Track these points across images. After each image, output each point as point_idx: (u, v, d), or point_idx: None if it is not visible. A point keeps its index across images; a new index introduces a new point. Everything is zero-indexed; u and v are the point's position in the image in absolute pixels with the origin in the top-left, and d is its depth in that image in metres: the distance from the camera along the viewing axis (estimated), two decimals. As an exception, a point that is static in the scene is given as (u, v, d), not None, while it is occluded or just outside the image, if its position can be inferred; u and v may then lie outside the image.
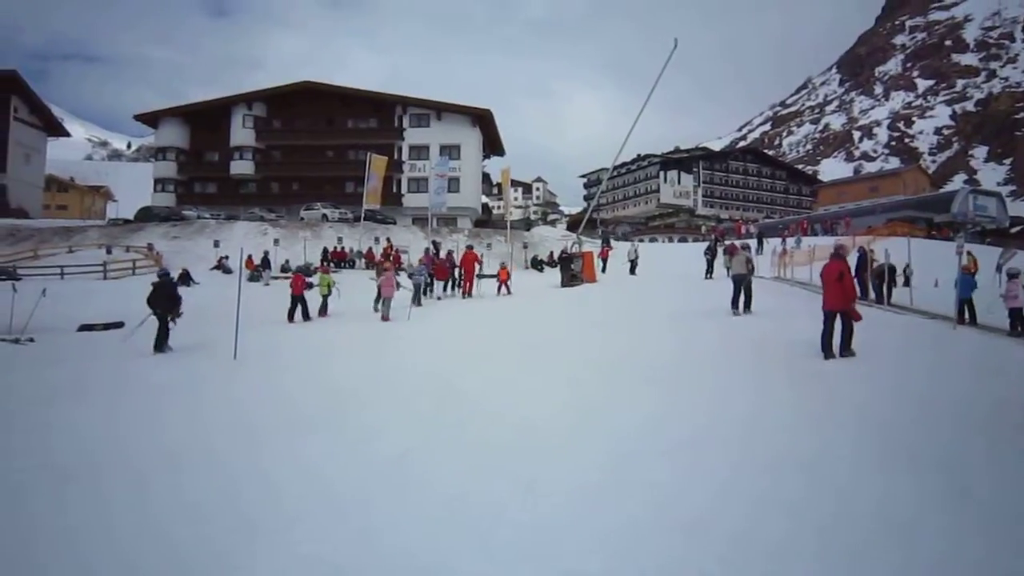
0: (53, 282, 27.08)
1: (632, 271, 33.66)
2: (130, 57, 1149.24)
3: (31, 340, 16.88)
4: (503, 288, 26.02)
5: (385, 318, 18.96)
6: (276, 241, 40.53)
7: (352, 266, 39.30)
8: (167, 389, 10.50)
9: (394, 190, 59.88)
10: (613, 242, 48.03)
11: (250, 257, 31.82)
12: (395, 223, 52.33)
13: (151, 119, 67.82)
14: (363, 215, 44.75)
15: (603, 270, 34.87)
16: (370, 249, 40.61)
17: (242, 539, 4.81)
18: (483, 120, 63.49)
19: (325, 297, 21.14)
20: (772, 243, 42.65)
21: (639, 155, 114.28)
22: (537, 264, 41.46)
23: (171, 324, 15.19)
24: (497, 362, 11.72)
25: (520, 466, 6.09)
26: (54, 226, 51.40)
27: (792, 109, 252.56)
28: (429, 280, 25.73)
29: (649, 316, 16.71)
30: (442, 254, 31.36)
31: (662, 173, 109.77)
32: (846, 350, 10.82)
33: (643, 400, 8.38)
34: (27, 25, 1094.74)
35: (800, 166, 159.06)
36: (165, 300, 15.09)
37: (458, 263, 27.54)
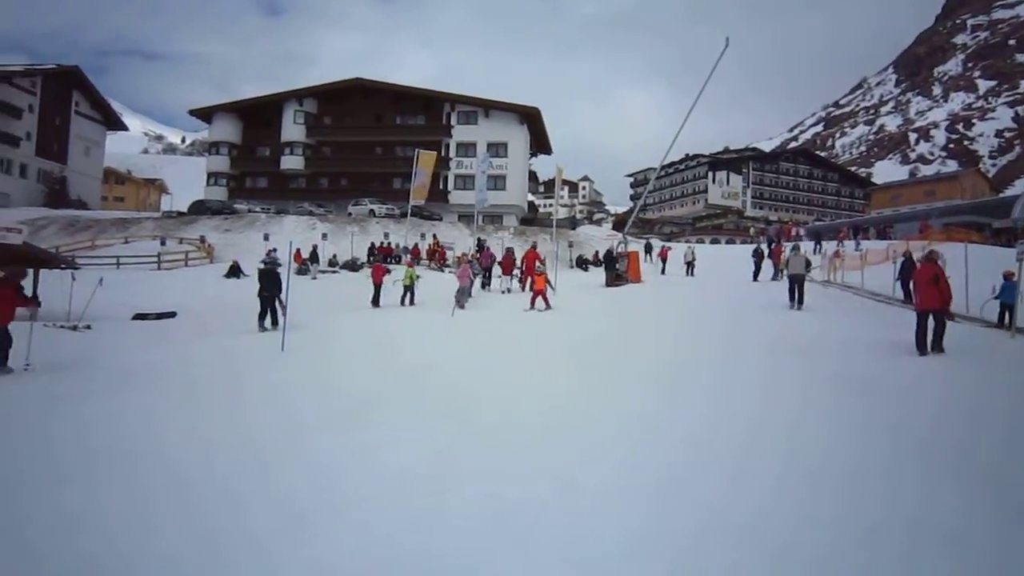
0: (109, 271, 27.80)
1: (689, 272, 33.48)
2: (186, 54, 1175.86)
3: (88, 327, 17.36)
4: (539, 302, 20.20)
5: (461, 306, 20.51)
6: (324, 235, 41.05)
7: (398, 261, 39.58)
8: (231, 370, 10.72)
9: (441, 187, 60.14)
10: (654, 242, 47.57)
11: (298, 251, 32.24)
12: (441, 219, 52.61)
13: (205, 114, 69.26)
14: (410, 211, 45.01)
15: (663, 271, 34.80)
16: (416, 245, 40.86)
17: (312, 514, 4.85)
18: (531, 118, 63.44)
19: (407, 288, 22.34)
20: (828, 246, 41.75)
21: (687, 155, 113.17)
22: (582, 263, 41.30)
23: (277, 305, 16.59)
24: (548, 358, 11.69)
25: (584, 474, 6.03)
26: (111, 217, 52.88)
27: (846, 110, 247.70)
28: (486, 276, 27.58)
29: (693, 320, 16.50)
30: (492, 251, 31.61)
31: (711, 173, 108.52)
32: (937, 348, 11.41)
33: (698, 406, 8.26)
34: (89, 23, 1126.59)
35: (853, 168, 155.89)
36: (272, 284, 16.68)
37: (520, 260, 28.17)
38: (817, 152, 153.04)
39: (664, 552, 4.40)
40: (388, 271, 24.08)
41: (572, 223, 62.35)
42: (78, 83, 71.23)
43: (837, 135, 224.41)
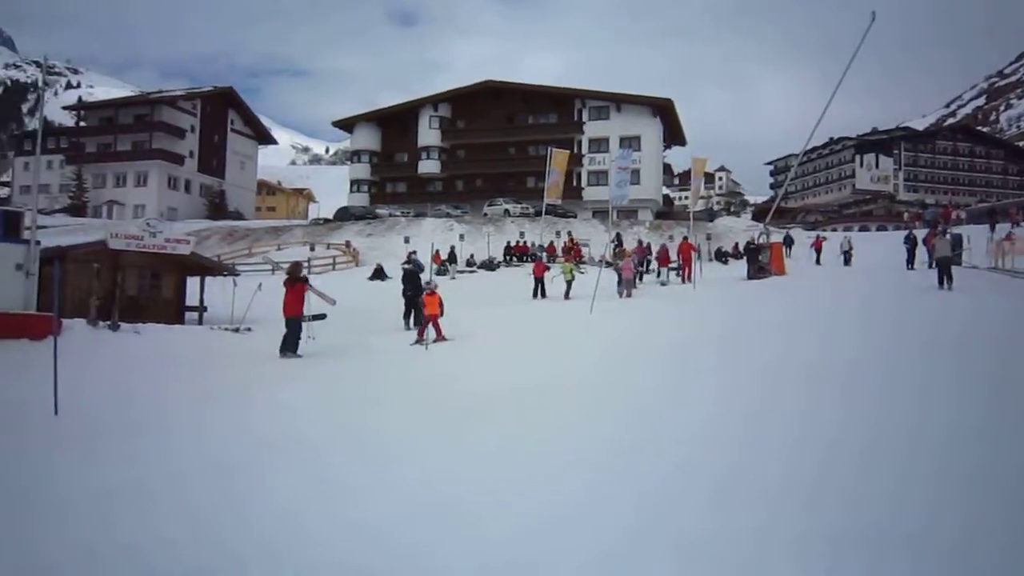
0: (265, 277, 29.48)
1: (847, 262, 31.89)
2: (329, 69, 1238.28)
3: (249, 330, 18.47)
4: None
5: (628, 295, 21.84)
6: (461, 236, 41.92)
7: (534, 260, 39.85)
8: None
9: (574, 184, 60.07)
10: (795, 233, 45.35)
11: (437, 252, 33.08)
12: (575, 217, 52.57)
13: (347, 125, 72.52)
14: (544, 209, 45.15)
15: (816, 261, 33.40)
16: (551, 243, 40.99)
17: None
18: (664, 110, 62.32)
19: (569, 283, 23.25)
20: (1000, 229, 38.42)
21: (831, 138, 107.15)
22: (721, 256, 40.09)
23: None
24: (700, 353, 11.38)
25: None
26: (265, 226, 56.36)
27: (1011, 79, 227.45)
28: (642, 269, 28.59)
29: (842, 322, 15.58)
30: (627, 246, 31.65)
31: (858, 157, 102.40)
32: None
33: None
34: (242, 47, 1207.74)
35: (1022, 143, 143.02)
36: (415, 284, 17.45)
37: (678, 252, 28.53)
38: (979, 128, 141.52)
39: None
40: (548, 267, 25.37)
41: (709, 215, 60.60)
42: (233, 103, 76.46)
43: (1002, 108, 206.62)
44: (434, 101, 68.26)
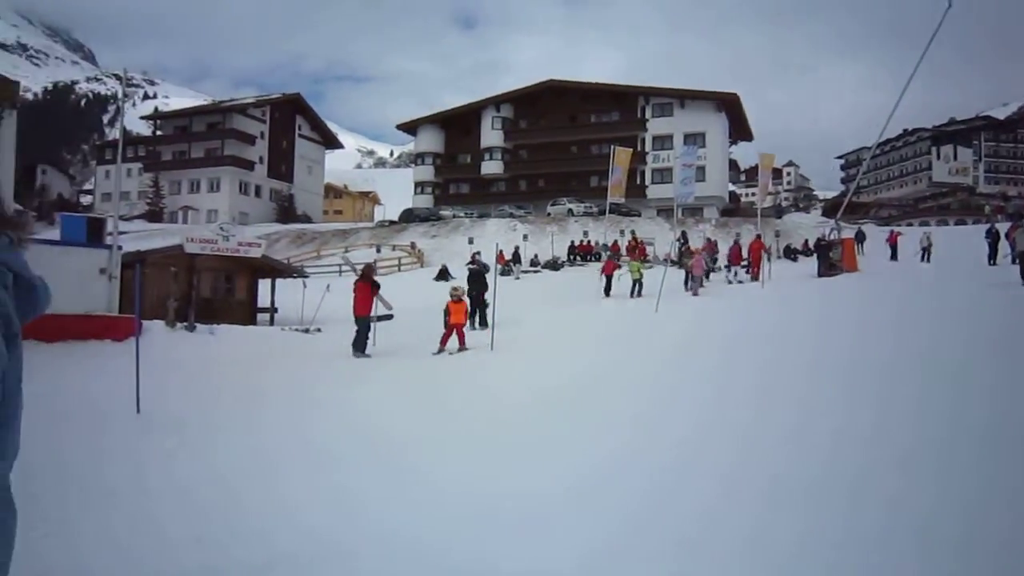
0: (333, 279, 30.07)
1: (925, 258, 30.81)
2: (393, 73, 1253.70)
3: (319, 330, 18.86)
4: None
5: (695, 293, 21.77)
6: (525, 236, 41.98)
7: (598, 259, 39.62)
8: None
9: (638, 182, 59.54)
10: (865, 229, 43.90)
11: (501, 252, 33.23)
12: (639, 215, 52.10)
13: (411, 127, 73.46)
14: (607, 208, 44.84)
15: (893, 256, 32.36)
16: (615, 242, 40.66)
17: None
18: (729, 105, 61.27)
19: (636, 281, 23.20)
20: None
21: (905, 130, 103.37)
22: (790, 253, 39.17)
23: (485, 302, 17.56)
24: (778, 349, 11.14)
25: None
26: (332, 229, 57.47)
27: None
28: (710, 267, 28.14)
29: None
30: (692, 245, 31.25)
31: (934, 148, 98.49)
32: None
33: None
34: (309, 54, 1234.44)
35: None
36: (480, 284, 17.54)
37: (747, 251, 28.22)
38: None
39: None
40: (619, 266, 25.66)
41: (777, 212, 59.50)
42: (300, 109, 78.22)
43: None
44: (496, 102, 68.58)
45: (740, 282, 26.24)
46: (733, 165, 75.05)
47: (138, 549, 4.46)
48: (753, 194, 76.72)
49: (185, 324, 16.97)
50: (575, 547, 4.20)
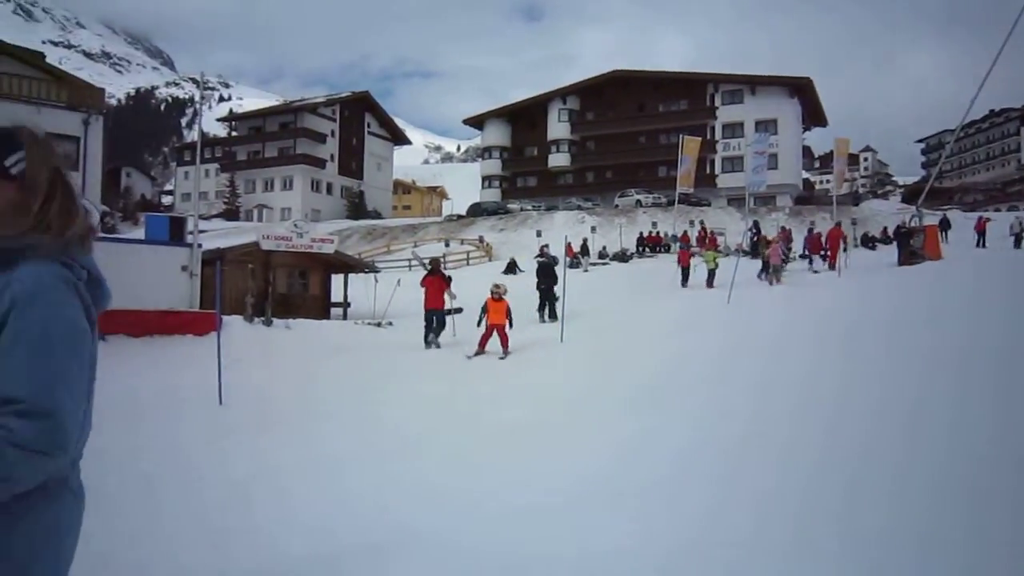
0: (403, 273, 30.48)
1: (1017, 245, 29.49)
2: (459, 68, 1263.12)
3: (390, 324, 19.15)
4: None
5: (773, 283, 21.76)
6: (593, 228, 41.70)
7: (668, 250, 39.13)
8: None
9: (707, 171, 58.44)
10: (950, 215, 42.04)
11: (569, 244, 33.05)
12: (709, 205, 51.22)
13: (477, 122, 73.78)
14: (677, 199, 44.32)
15: (980, 243, 31.08)
16: (685, 233, 40.07)
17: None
18: (802, 90, 59.55)
19: (711, 270, 23.35)
20: None
21: (992, 111, 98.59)
22: (868, 242, 37.93)
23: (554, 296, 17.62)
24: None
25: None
26: (401, 224, 58.25)
27: None
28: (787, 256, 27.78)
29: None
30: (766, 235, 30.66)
31: (1023, 129, 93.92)
32: None
33: None
34: (376, 52, 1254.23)
35: None
36: (549, 276, 17.76)
37: (825, 239, 27.84)
38: None
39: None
40: (694, 255, 25.81)
41: (854, 199, 57.47)
42: (369, 106, 79.40)
43: None
44: (563, 94, 68.26)
45: (817, 271, 25.69)
46: (807, 152, 73.01)
47: (228, 529, 4.61)
48: (828, 181, 74.49)
49: (262, 319, 17.44)
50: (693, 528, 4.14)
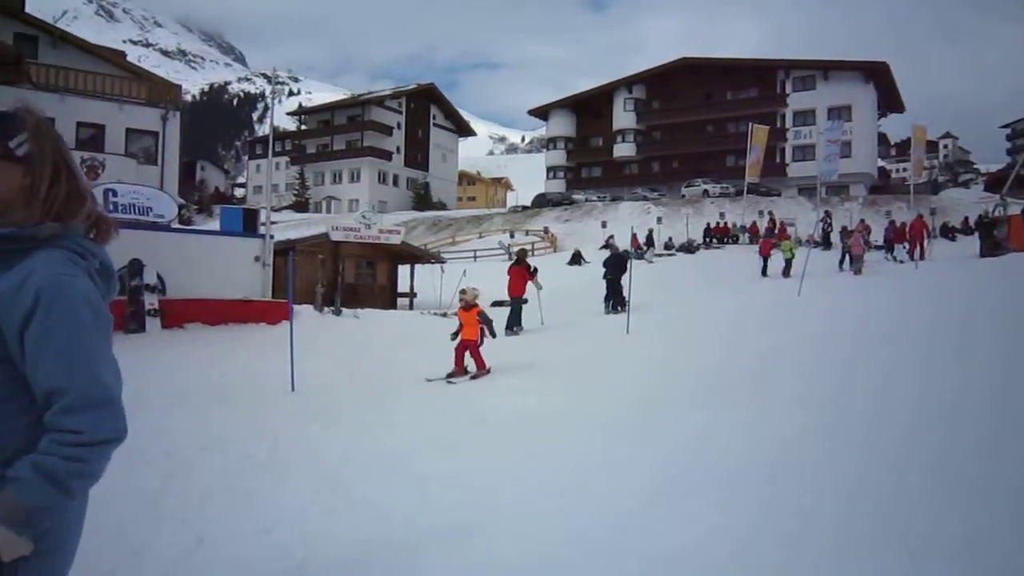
0: (468, 264, 30.69)
1: None
2: (524, 59, 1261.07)
3: (455, 314, 19.33)
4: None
5: (857, 272, 21.78)
6: (659, 219, 41.20)
7: (736, 241, 38.42)
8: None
9: (777, 160, 57.12)
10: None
11: (635, 235, 32.81)
12: (779, 195, 50.03)
13: (542, 112, 73.69)
14: (746, 188, 43.45)
15: None
16: (754, 223, 39.29)
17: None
18: (877, 74, 57.58)
19: (788, 260, 23.41)
20: None
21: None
22: (948, 232, 36.49)
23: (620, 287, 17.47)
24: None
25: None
26: (466, 215, 58.58)
27: None
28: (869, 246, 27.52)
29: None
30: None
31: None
32: None
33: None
34: (441, 44, 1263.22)
35: None
36: (618, 268, 17.48)
37: (908, 230, 27.51)
38: None
39: None
40: (776, 245, 25.59)
41: (933, 188, 55.32)
42: (434, 99, 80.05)
43: None
44: (628, 83, 67.60)
45: (902, 262, 25.09)
46: (882, 139, 70.62)
47: (306, 513, 4.72)
48: (905, 169, 71.90)
49: (332, 308, 17.79)
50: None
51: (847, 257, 23.45)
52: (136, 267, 15.36)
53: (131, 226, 16.72)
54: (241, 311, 15.93)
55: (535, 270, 16.38)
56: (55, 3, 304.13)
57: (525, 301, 15.98)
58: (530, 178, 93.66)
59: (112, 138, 25.35)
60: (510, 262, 18.05)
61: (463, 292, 11.43)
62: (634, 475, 5.29)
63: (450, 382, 10.17)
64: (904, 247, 26.71)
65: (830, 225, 34.78)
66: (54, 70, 25.42)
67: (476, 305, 11.10)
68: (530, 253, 39.33)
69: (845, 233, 26.05)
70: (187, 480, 5.56)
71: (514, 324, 15.10)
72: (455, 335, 10.80)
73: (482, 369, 10.52)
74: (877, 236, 29.31)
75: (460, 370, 10.49)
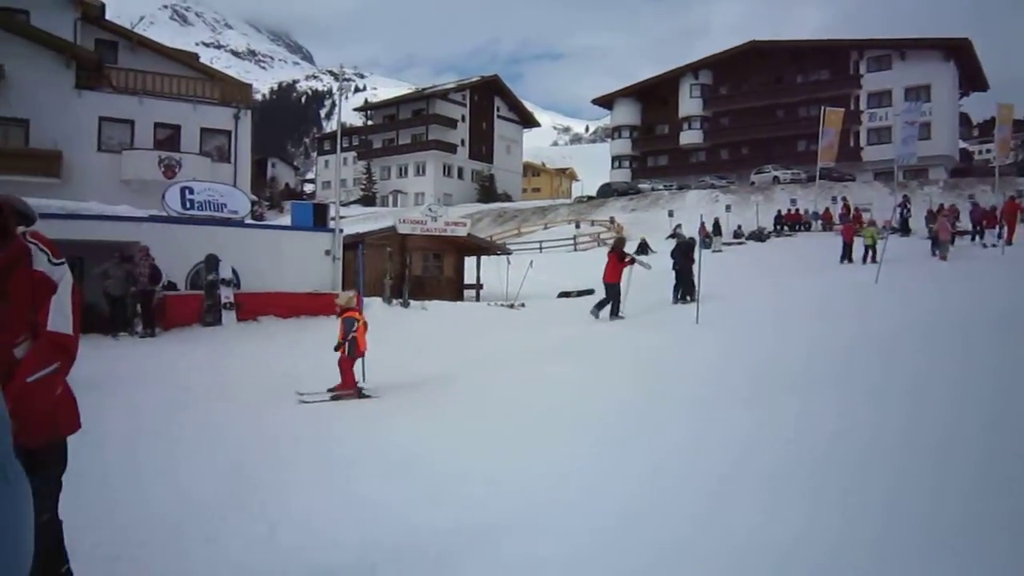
0: (535, 255, 30.73)
1: None
2: (587, 49, 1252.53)
3: (523, 305, 19.36)
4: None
5: (943, 258, 21.46)
6: (727, 207, 40.44)
7: (808, 228, 37.39)
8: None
9: (851, 144, 55.21)
10: None
11: (703, 224, 32.23)
12: (853, 180, 48.47)
13: (606, 101, 73.09)
14: (817, 174, 42.23)
15: None
16: (827, 210, 38.18)
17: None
18: (958, 52, 55.10)
19: (868, 247, 23.19)
20: None
21: None
22: (1037, 216, 34.77)
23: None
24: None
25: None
26: (531, 206, 58.59)
27: None
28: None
29: None
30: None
31: None
32: None
33: None
34: (504, 36, 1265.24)
35: None
36: (686, 257, 17.42)
37: (1000, 213, 26.57)
38: None
39: None
40: (857, 232, 25.05)
41: (1019, 169, 52.77)
42: (498, 91, 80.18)
43: None
44: (694, 69, 66.37)
45: (994, 246, 24.27)
46: (964, 119, 67.71)
47: (371, 509, 4.78)
48: (989, 151, 68.82)
49: (400, 300, 18.01)
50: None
51: (936, 242, 23.06)
52: (212, 262, 15.83)
53: (206, 222, 17.27)
54: (312, 304, 16.28)
55: (632, 260, 16.79)
56: (133, 9, 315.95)
57: (593, 292, 16.07)
58: (595, 168, 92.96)
59: (187, 137, 26.26)
60: (573, 250, 18.22)
61: (338, 296, 10.55)
62: (712, 462, 5.20)
63: (304, 401, 8.73)
64: (995, 231, 25.75)
65: (909, 211, 33.53)
66: (132, 74, 26.45)
67: (351, 309, 9.74)
68: (597, 244, 39.24)
69: (930, 217, 25.25)
70: (283, 464, 5.69)
71: (610, 310, 15.56)
72: (349, 349, 9.32)
73: (345, 387, 9.10)
74: (963, 220, 28.29)
75: (350, 386, 9.16)
